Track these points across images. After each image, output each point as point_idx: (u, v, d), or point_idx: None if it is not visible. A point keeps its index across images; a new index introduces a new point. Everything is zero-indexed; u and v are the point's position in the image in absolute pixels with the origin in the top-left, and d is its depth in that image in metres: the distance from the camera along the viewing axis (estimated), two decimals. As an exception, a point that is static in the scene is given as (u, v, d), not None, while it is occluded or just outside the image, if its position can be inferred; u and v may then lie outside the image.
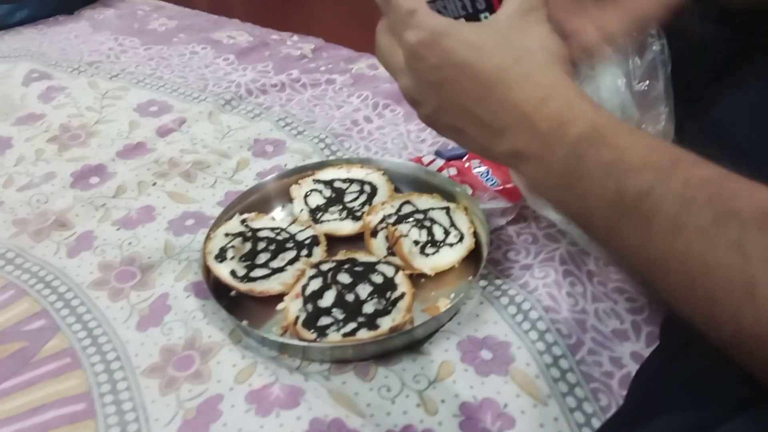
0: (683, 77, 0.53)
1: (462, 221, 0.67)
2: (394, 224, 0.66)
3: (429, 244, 0.65)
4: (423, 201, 0.71)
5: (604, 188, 0.33)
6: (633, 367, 0.56)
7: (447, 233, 0.66)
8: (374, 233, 0.67)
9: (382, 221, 0.68)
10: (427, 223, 0.67)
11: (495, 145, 0.38)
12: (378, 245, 0.66)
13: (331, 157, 0.83)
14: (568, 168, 0.35)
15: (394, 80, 0.42)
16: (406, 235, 0.64)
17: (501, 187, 0.70)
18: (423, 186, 0.73)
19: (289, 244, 0.66)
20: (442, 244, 0.65)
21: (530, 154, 0.36)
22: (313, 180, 0.75)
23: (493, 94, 0.37)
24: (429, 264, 0.63)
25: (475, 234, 0.66)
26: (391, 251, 0.64)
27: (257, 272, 0.63)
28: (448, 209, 0.69)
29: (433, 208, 0.69)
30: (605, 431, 0.45)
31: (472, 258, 0.64)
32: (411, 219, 0.68)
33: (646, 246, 0.31)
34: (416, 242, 0.65)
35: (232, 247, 0.65)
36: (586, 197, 0.34)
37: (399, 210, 0.69)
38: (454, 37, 0.37)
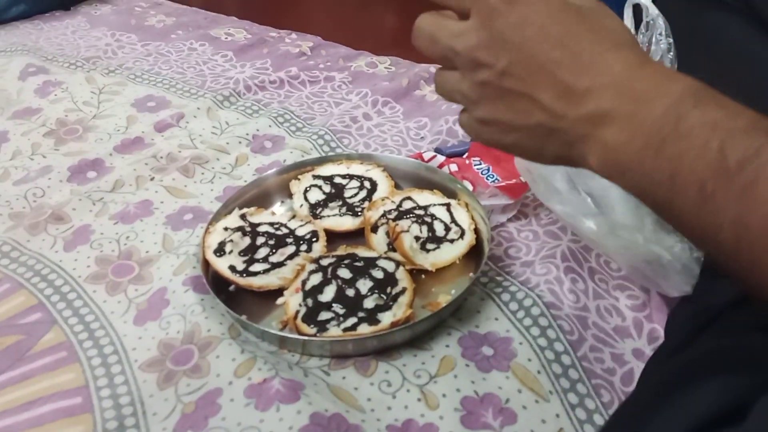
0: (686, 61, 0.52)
1: (463, 217, 0.67)
2: (394, 220, 0.66)
3: (430, 240, 0.65)
4: (423, 197, 0.70)
5: (705, 148, 0.30)
6: (635, 364, 0.56)
7: (448, 229, 0.66)
8: (374, 229, 0.66)
9: (382, 217, 0.67)
10: (428, 219, 0.67)
11: (573, 108, 0.36)
12: (378, 241, 0.66)
13: (330, 154, 0.82)
14: (664, 127, 0.32)
15: (432, 55, 0.40)
16: (407, 231, 0.64)
17: (502, 184, 0.70)
18: (423, 182, 0.73)
19: (289, 239, 0.66)
20: (442, 240, 0.65)
21: (619, 113, 0.34)
22: (313, 176, 0.75)
23: (582, 55, 0.35)
24: (430, 260, 0.63)
25: (476, 230, 0.66)
26: (392, 247, 0.64)
27: (256, 267, 0.63)
28: (448, 205, 0.69)
29: (433, 204, 0.69)
30: (624, 415, 0.43)
31: (473, 254, 0.64)
32: (411, 215, 0.67)
33: (745, 214, 0.28)
34: (417, 238, 0.64)
35: (231, 241, 0.64)
36: (680, 159, 0.31)
37: (399, 206, 0.69)
38: None
